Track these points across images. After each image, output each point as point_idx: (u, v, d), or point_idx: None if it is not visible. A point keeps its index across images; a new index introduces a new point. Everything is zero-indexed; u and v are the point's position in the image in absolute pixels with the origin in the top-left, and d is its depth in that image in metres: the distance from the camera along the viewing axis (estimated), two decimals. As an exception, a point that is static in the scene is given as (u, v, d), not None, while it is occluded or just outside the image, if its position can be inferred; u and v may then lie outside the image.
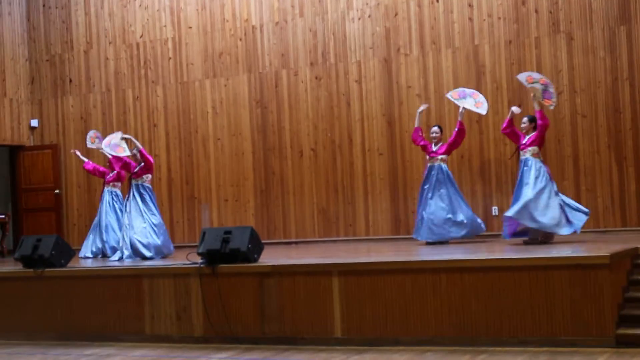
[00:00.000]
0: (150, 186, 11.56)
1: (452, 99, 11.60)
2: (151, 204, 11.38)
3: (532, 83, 10.28)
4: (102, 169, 13.39)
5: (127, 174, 12.15)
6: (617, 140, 11.96)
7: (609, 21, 12.03)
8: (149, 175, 11.60)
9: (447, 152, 11.53)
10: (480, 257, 8.18)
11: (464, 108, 11.37)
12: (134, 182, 11.46)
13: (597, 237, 10.84)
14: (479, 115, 12.40)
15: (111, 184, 13.04)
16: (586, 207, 10.84)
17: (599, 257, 7.38)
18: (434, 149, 11.49)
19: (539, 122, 10.19)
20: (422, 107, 11.86)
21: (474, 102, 11.43)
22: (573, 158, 12.18)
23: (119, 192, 13.03)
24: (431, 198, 11.28)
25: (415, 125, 11.68)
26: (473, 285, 7.70)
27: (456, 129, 11.44)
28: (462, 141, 11.67)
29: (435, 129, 11.62)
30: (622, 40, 11.95)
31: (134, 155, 11.60)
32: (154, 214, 11.35)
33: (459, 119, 11.44)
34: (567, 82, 12.16)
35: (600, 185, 12.02)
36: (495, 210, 12.45)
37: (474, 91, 11.70)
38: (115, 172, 12.86)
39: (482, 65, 12.70)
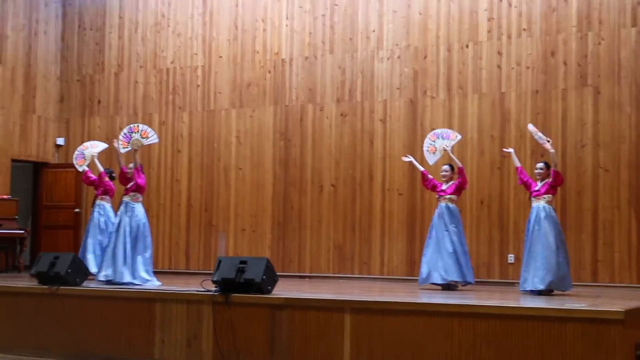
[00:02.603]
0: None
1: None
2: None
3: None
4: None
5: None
6: (638, 197, 11.92)
7: (637, 78, 12.06)
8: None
9: (456, 192, 11.20)
10: (493, 304, 8.15)
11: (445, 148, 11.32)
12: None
13: (613, 292, 10.76)
14: (501, 162, 12.46)
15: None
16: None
17: (613, 312, 7.33)
18: (444, 187, 11.21)
19: (554, 181, 10.20)
20: (408, 159, 11.79)
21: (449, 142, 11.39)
22: (592, 211, 12.15)
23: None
24: (442, 239, 11.07)
25: (421, 169, 11.48)
26: (485, 332, 7.66)
27: (459, 176, 11.17)
28: (466, 183, 11.40)
29: (446, 167, 11.30)
30: (649, 97, 11.98)
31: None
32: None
33: (458, 163, 11.24)
34: (591, 135, 12.17)
35: (618, 240, 11.96)
36: (511, 257, 12.41)
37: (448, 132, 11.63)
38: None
39: (508, 113, 12.74)
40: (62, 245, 14.95)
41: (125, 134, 11.27)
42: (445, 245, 10.90)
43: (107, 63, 15.76)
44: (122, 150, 11.27)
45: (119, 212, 11.13)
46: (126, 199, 11.10)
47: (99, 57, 15.85)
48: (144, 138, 11.22)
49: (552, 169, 10.20)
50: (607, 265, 11.97)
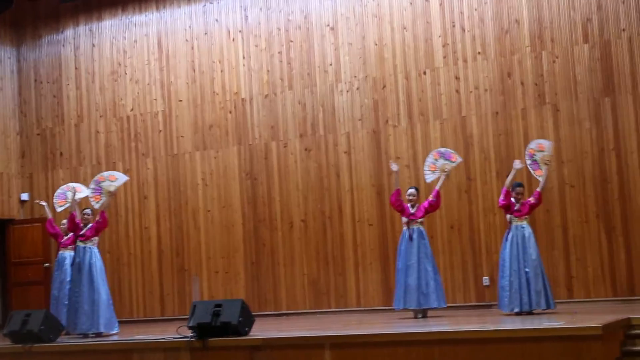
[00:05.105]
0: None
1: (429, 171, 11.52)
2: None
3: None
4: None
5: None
6: (606, 210, 12.04)
7: (594, 93, 12.23)
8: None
9: (424, 214, 11.18)
10: (473, 329, 8.15)
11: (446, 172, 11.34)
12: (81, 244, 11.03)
13: (588, 308, 10.83)
14: (468, 185, 12.55)
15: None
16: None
17: (591, 327, 7.36)
18: (412, 211, 11.12)
19: (535, 201, 10.56)
20: (395, 168, 11.56)
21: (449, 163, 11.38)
22: (562, 228, 12.24)
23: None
24: (417, 263, 11.05)
25: (396, 187, 11.36)
26: (466, 358, 7.65)
27: (434, 199, 11.17)
28: (438, 207, 11.51)
29: (412, 190, 11.22)
30: (607, 112, 12.13)
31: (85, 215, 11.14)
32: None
33: (437, 187, 11.23)
34: (554, 152, 12.27)
35: (590, 255, 12.05)
36: (486, 280, 12.44)
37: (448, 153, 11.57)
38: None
39: (470, 136, 12.84)
40: (33, 301, 14.71)
41: (95, 188, 11.33)
42: (418, 270, 10.91)
43: (66, 115, 15.65)
44: (97, 205, 11.25)
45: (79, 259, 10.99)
46: (87, 244, 11.01)
47: (57, 110, 15.74)
48: (113, 181, 11.35)
49: (537, 190, 10.67)
50: (581, 280, 12.04)
